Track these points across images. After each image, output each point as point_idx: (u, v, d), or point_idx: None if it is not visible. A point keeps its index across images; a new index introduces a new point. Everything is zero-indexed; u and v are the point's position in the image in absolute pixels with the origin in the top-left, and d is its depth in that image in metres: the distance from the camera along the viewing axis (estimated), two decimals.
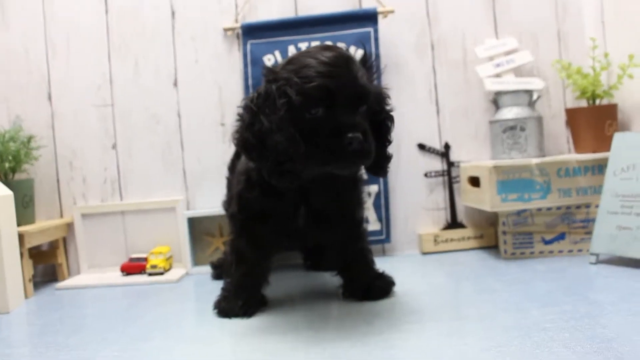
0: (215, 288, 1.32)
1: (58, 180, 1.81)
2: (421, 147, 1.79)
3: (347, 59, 1.05)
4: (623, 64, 1.54)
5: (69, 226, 1.80)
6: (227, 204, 1.50)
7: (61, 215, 1.81)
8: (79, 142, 1.81)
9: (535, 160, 1.52)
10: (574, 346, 0.88)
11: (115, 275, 1.71)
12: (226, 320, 1.18)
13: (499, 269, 1.45)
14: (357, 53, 1.68)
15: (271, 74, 1.08)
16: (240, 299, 1.21)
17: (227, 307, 1.21)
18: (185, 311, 1.31)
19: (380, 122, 1.13)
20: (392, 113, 1.16)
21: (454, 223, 1.78)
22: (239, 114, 1.11)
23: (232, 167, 1.52)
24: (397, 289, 1.30)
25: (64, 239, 1.80)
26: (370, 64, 1.13)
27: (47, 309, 1.42)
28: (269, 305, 1.26)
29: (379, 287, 1.27)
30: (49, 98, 1.80)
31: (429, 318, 1.09)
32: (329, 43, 1.26)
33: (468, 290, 1.29)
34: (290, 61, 1.08)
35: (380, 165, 1.14)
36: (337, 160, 1.02)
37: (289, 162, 1.03)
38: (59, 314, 1.35)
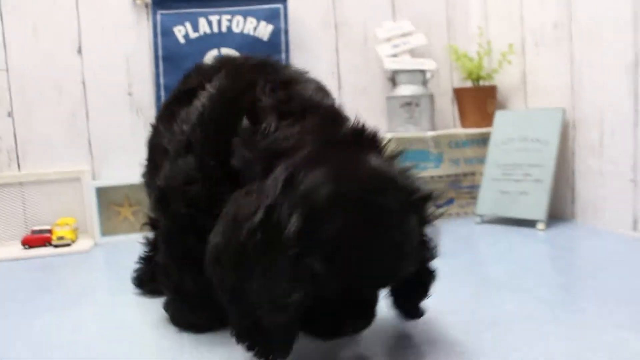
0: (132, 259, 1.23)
1: None
2: None
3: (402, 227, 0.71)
4: (504, 52, 1.75)
5: None
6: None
7: None
8: None
9: (430, 133, 1.70)
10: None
11: (15, 250, 1.64)
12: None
13: None
14: (266, 29, 1.75)
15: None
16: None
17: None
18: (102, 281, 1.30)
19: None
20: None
21: None
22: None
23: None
24: None
25: None
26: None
27: None
28: None
29: None
30: None
31: None
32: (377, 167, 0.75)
33: None
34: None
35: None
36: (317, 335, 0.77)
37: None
38: None
